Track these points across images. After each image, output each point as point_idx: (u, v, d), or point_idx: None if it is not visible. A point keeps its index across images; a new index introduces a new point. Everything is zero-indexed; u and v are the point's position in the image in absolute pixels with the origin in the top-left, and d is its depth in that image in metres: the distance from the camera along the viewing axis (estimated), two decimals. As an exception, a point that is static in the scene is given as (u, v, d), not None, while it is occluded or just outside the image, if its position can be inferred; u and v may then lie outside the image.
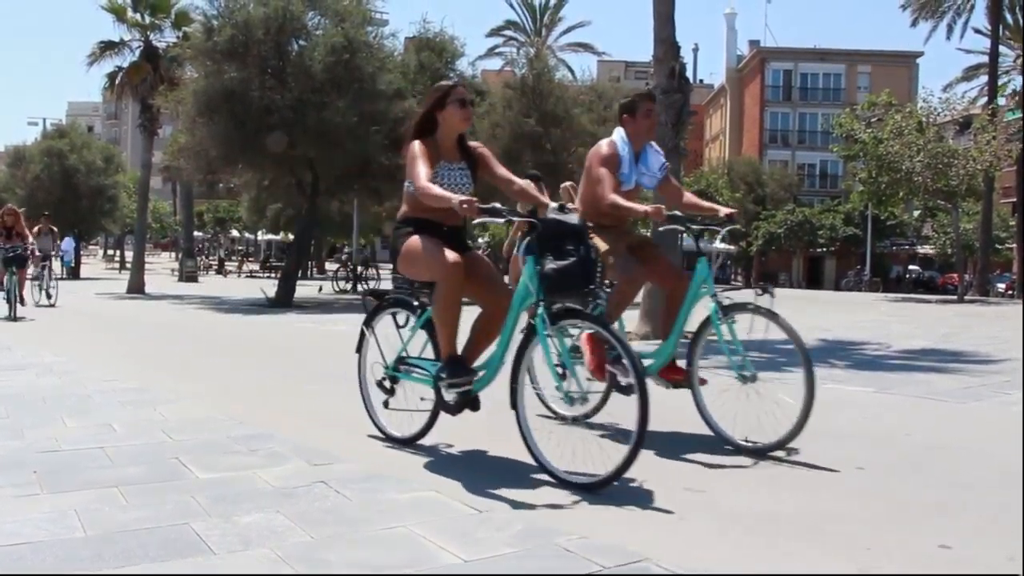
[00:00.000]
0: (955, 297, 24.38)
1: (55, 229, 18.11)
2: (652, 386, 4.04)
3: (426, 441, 4.44)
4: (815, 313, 16.70)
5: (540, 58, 21.72)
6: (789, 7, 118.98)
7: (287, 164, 18.64)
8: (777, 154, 57.88)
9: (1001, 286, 38.15)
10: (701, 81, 70.89)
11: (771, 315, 4.20)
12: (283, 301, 17.80)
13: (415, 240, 4.18)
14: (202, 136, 18.15)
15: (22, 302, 13.55)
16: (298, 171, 19.13)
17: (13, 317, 13.04)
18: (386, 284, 24.71)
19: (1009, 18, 37.22)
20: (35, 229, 16.82)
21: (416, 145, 4.16)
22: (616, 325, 4.82)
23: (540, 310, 3.80)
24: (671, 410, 4.78)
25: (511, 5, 58.09)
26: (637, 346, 9.92)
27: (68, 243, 37.75)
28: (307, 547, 2.96)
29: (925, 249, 47.26)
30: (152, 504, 3.41)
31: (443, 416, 4.29)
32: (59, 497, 3.51)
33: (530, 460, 3.85)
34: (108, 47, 25.40)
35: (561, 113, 18.04)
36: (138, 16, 24.88)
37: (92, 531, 3.09)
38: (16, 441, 4.58)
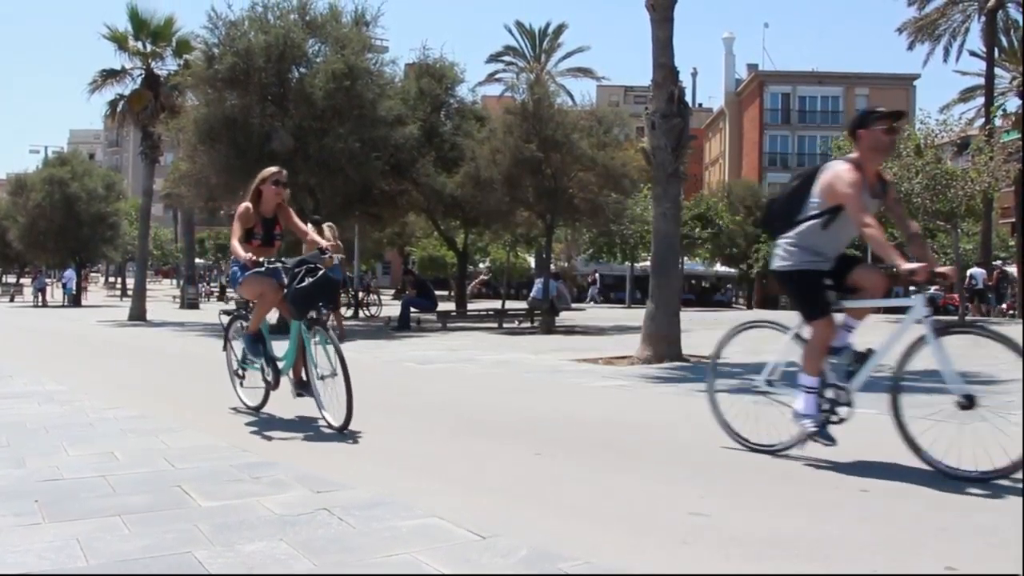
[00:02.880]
0: (956, 317, 24.36)
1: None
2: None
3: (439, 474, 4.42)
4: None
5: (540, 83, 21.82)
6: (787, 31, 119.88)
7: (288, 191, 18.69)
8: (777, 177, 58.01)
9: (1003, 305, 38.14)
10: (700, 105, 71.31)
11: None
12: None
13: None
14: (203, 163, 18.23)
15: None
16: (299, 198, 19.18)
17: (340, 428, 5.53)
18: (388, 310, 24.72)
19: (1004, 40, 37.50)
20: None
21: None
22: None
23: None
24: (663, 429, 4.77)
25: (510, 31, 58.70)
26: (642, 370, 9.92)
27: (70, 272, 37.93)
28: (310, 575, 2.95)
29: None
30: (154, 533, 3.40)
31: (449, 446, 4.23)
32: (61, 526, 3.50)
33: (533, 485, 3.84)
34: (110, 75, 25.54)
35: (561, 138, 18.07)
36: (139, 44, 25.03)
37: (94, 560, 3.08)
38: (18, 470, 4.57)
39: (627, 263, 42.83)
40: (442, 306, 21.61)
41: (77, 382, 8.81)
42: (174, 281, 61.89)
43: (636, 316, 15.34)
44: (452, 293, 33.97)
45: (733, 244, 46.91)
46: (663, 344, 10.95)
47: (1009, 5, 36.23)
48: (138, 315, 23.89)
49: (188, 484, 4.20)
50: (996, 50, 36.23)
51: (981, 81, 36.85)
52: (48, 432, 5.73)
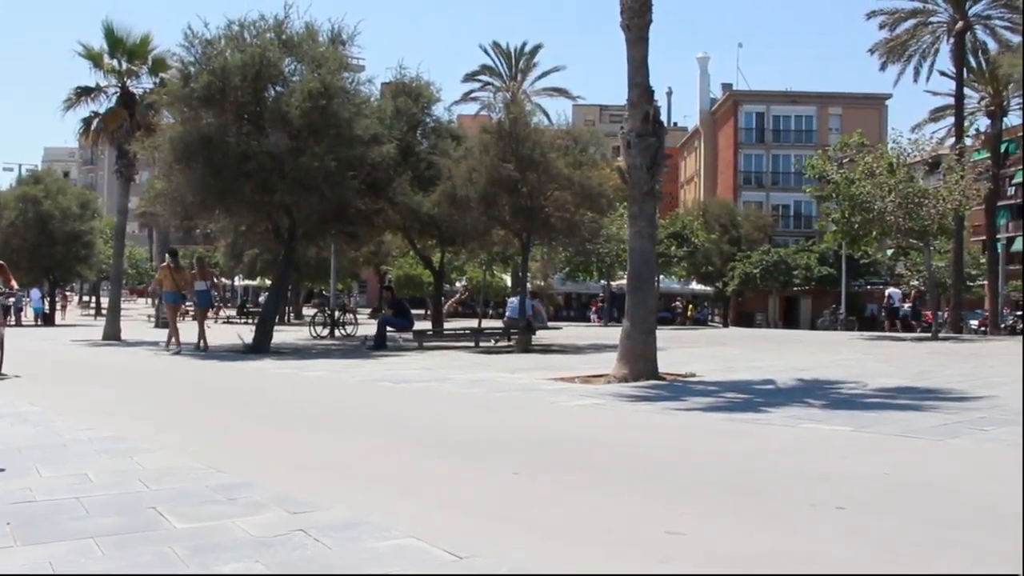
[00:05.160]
0: (929, 335, 24.60)
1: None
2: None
3: (416, 494, 4.37)
4: (792, 352, 16.80)
5: (516, 103, 21.93)
6: (761, 51, 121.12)
7: (264, 210, 18.63)
8: (751, 195, 58.61)
9: (974, 323, 38.60)
10: (675, 124, 71.93)
11: None
12: (261, 347, 17.68)
13: None
14: (179, 182, 18.13)
15: None
16: (275, 217, 19.13)
17: None
18: (364, 329, 24.62)
19: (972, 61, 38.16)
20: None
21: None
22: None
23: None
24: (640, 447, 4.78)
25: (486, 51, 58.81)
26: (618, 389, 9.93)
27: (35, 291, 37.65)
28: (287, 597, 2.93)
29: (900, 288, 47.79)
30: (129, 555, 3.36)
31: (426, 465, 4.20)
32: (34, 549, 3.46)
33: (511, 505, 3.84)
34: (84, 93, 25.31)
35: (537, 157, 18.13)
36: (115, 62, 24.86)
37: (68, 584, 3.04)
38: (-11, 493, 4.51)
39: (603, 281, 42.96)
40: (418, 325, 21.57)
41: (50, 402, 8.70)
42: (149, 300, 61.39)
43: (612, 335, 15.37)
44: (428, 312, 33.92)
45: (709, 262, 47.20)
46: (639, 362, 10.97)
47: (977, 27, 36.95)
48: (113, 334, 23.64)
49: (163, 505, 4.16)
50: (965, 71, 36.92)
51: (951, 101, 37.46)
52: (21, 453, 5.65)
